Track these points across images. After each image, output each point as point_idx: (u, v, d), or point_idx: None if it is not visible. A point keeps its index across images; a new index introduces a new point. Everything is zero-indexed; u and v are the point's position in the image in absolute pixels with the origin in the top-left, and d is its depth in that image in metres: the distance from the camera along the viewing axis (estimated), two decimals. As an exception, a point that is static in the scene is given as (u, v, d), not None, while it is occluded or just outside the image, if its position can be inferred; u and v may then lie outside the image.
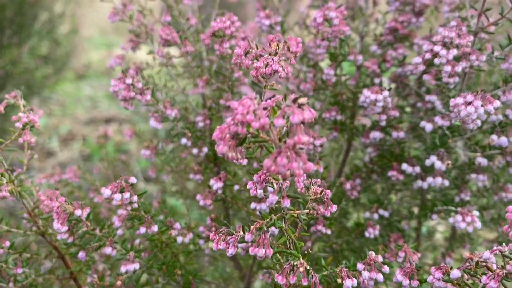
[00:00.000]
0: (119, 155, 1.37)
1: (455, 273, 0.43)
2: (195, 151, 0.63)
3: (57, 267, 0.65)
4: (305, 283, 0.38)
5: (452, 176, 0.67)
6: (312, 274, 0.39)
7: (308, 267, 0.39)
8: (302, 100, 0.35)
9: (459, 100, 0.49)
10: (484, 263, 0.43)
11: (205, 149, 0.63)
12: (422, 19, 0.64)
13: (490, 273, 0.41)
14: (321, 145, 0.58)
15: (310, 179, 0.46)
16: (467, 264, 0.44)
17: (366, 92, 0.55)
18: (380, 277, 0.46)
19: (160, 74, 0.69)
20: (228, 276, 0.78)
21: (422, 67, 0.54)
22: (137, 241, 0.61)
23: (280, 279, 0.38)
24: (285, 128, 0.35)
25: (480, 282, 0.42)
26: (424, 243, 0.88)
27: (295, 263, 0.38)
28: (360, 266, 0.46)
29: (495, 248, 0.42)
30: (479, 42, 0.63)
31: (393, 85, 0.67)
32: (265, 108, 0.33)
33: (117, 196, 0.49)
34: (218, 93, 0.66)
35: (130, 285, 0.58)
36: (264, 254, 0.37)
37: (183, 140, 0.62)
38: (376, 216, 0.64)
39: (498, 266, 0.41)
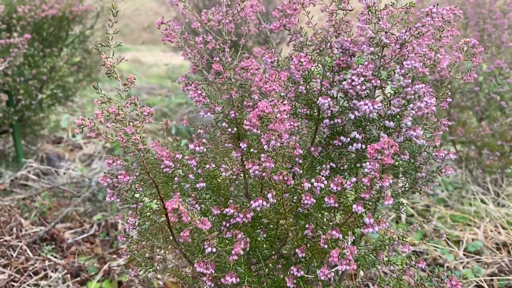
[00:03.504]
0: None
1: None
2: (229, 130, 1.18)
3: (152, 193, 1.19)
4: (286, 178, 0.93)
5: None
6: (288, 177, 0.93)
7: (286, 173, 0.93)
8: (285, 102, 0.90)
9: (361, 102, 1.05)
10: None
11: (235, 129, 1.18)
12: (354, 58, 1.19)
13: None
14: (298, 126, 1.14)
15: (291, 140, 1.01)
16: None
17: (320, 98, 1.10)
18: (322, 185, 1.01)
19: (207, 87, 1.24)
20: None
21: (347, 86, 1.09)
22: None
23: (276, 178, 0.93)
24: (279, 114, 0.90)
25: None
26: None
27: (281, 171, 0.93)
28: (313, 180, 1.02)
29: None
30: (384, 71, 1.18)
31: (340, 94, 1.23)
32: (270, 105, 0.88)
33: (198, 148, 1.04)
34: (241, 98, 1.21)
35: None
36: (269, 166, 0.92)
37: (224, 124, 1.17)
38: (328, 166, 1.19)
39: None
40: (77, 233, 2.40)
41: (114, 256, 2.19)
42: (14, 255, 2.07)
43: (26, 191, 2.78)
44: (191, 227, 0.92)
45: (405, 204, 1.29)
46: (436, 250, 2.20)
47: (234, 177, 1.15)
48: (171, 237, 1.22)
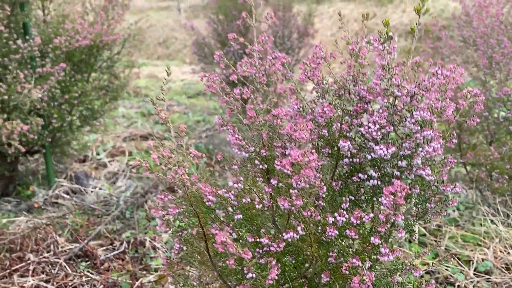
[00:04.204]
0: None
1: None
2: (261, 166, 1.37)
3: (194, 222, 1.39)
4: (313, 215, 1.11)
5: (386, 181, 1.40)
6: (315, 213, 1.12)
7: (314, 209, 1.12)
8: (314, 152, 1.09)
9: (377, 147, 1.23)
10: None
11: (265, 166, 1.37)
12: (370, 105, 1.38)
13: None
14: (321, 165, 1.32)
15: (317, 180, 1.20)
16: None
17: (341, 141, 1.29)
18: (343, 218, 1.20)
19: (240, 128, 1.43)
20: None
21: (364, 131, 1.28)
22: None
23: (305, 213, 1.11)
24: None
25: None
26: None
27: (309, 207, 1.12)
28: (335, 214, 1.20)
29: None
30: (398, 116, 1.37)
31: (358, 135, 1.42)
32: (300, 154, 1.07)
33: (236, 185, 1.23)
34: (271, 139, 1.40)
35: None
36: (299, 204, 1.10)
37: (256, 161, 1.36)
38: (347, 199, 1.37)
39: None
40: (108, 250, 2.61)
41: (144, 272, 2.39)
42: (55, 271, 2.28)
43: (58, 209, 3.00)
44: (235, 257, 1.11)
45: (416, 232, 1.47)
46: (447, 270, 2.35)
47: (266, 208, 1.34)
48: (206, 259, 1.41)
